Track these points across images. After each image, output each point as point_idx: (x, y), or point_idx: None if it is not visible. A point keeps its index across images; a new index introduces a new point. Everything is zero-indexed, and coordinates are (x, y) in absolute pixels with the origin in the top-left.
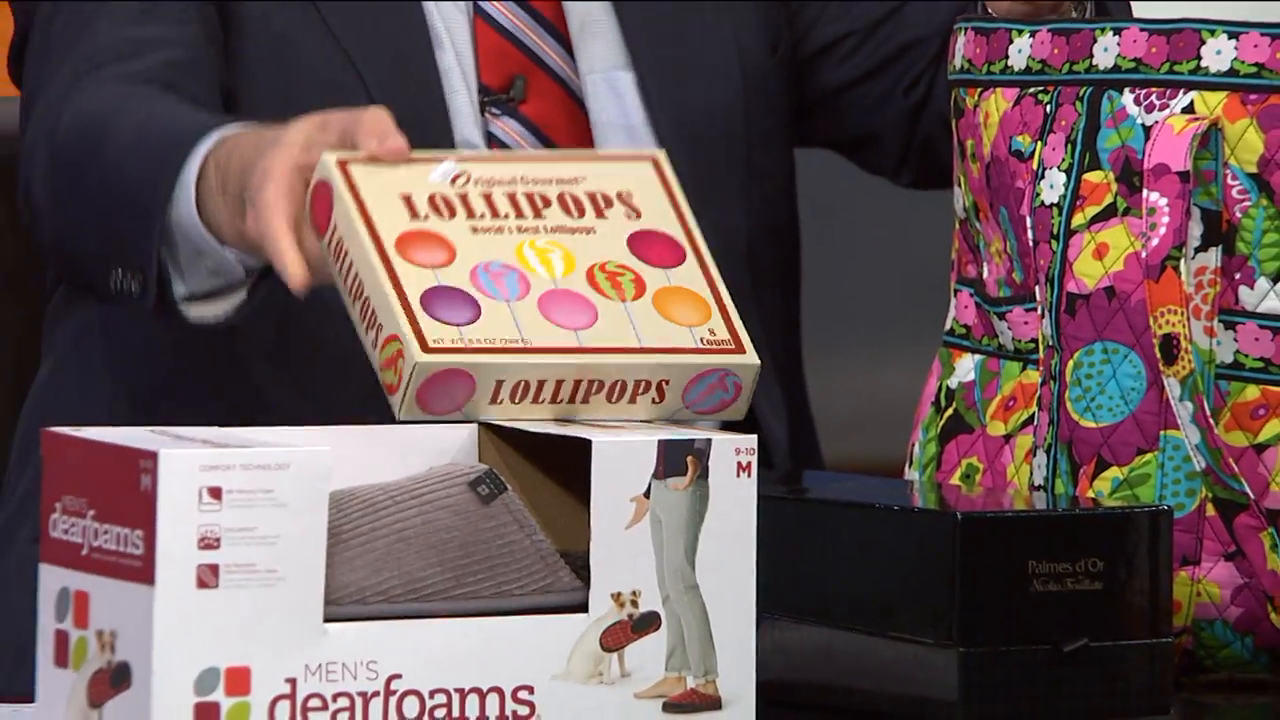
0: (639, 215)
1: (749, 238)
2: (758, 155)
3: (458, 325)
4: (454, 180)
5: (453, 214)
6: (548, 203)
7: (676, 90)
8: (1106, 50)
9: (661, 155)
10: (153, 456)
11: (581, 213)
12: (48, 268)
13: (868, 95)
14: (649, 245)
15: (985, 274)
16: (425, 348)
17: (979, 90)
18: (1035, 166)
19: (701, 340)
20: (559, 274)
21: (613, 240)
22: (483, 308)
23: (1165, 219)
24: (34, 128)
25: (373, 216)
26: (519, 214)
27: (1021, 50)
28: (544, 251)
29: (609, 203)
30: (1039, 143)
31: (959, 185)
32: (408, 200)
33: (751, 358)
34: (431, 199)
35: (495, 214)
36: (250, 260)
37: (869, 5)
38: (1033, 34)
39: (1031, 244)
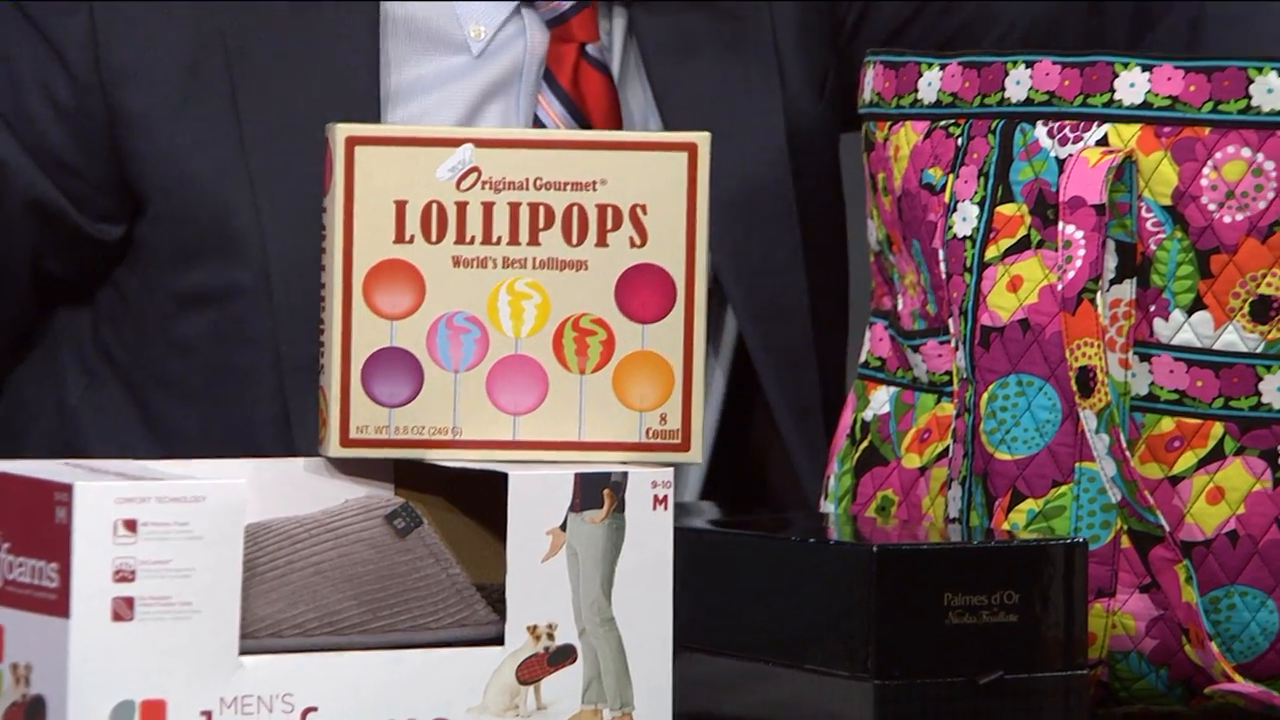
0: (644, 242)
1: (810, 300)
2: (811, 213)
3: (390, 407)
4: (463, 178)
5: (441, 235)
6: (550, 221)
7: (719, 165)
8: (1019, 83)
9: (702, 140)
10: (68, 489)
11: (583, 237)
12: None
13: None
14: (638, 288)
15: (899, 307)
16: (345, 439)
17: (889, 124)
18: (947, 199)
19: (648, 432)
20: (526, 330)
21: (601, 282)
22: (425, 381)
23: (1081, 251)
24: None
25: (356, 233)
26: (513, 238)
27: (931, 83)
28: (520, 298)
29: (617, 222)
30: (951, 175)
31: (872, 219)
32: (400, 211)
33: (694, 456)
34: (425, 211)
35: (487, 238)
36: None
37: None
38: (943, 67)
39: (945, 277)
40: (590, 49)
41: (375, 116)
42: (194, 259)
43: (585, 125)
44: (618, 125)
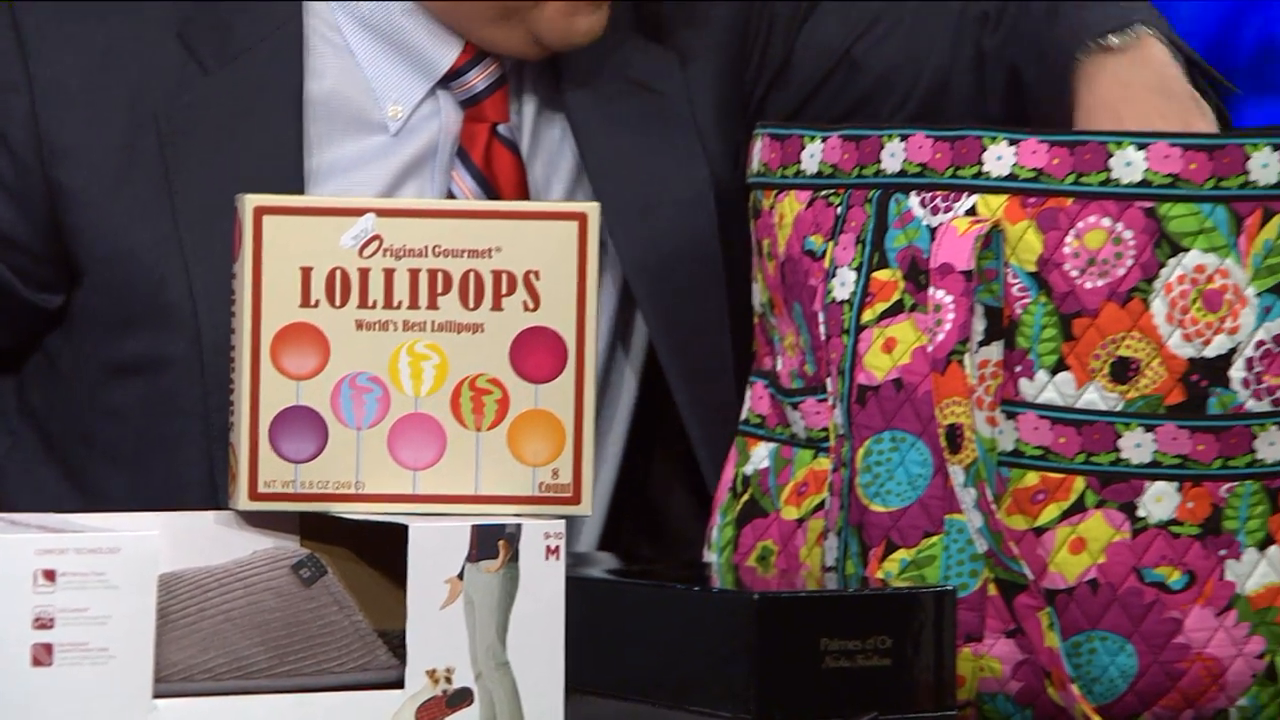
0: (536, 306)
1: (735, 363)
2: (735, 277)
3: (296, 463)
4: (365, 246)
5: (345, 300)
6: (448, 286)
7: (652, 231)
8: (893, 155)
9: (592, 210)
10: None
11: (479, 301)
12: None
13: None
14: (532, 350)
15: (779, 366)
16: (254, 493)
17: (774, 192)
18: (827, 265)
19: (540, 486)
20: (425, 390)
21: (496, 344)
22: (330, 438)
23: (950, 315)
24: None
25: (264, 297)
26: (413, 303)
27: (813, 155)
28: (419, 359)
29: (511, 287)
30: (831, 242)
31: (756, 282)
32: (306, 276)
33: (584, 508)
34: (330, 277)
35: (389, 302)
36: None
37: (831, 48)
38: (824, 139)
39: (824, 338)
40: (501, 128)
41: (299, 194)
42: (128, 329)
43: (493, 198)
44: (523, 196)
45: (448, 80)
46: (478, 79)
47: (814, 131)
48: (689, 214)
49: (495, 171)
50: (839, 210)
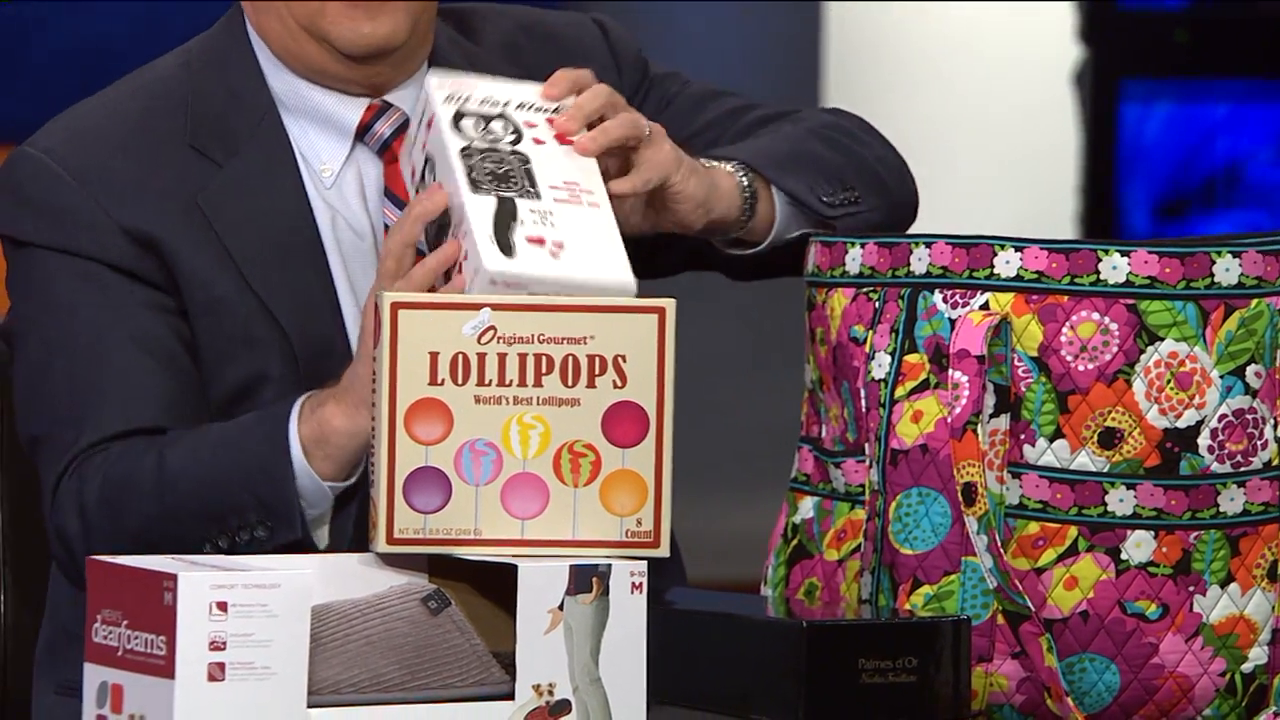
0: (624, 384)
1: None
2: None
3: (425, 514)
4: (483, 335)
5: (466, 379)
6: (551, 368)
7: None
8: (920, 260)
9: (669, 305)
10: (174, 578)
11: (576, 380)
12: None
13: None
14: (620, 420)
15: (823, 433)
16: (390, 538)
17: (825, 289)
18: (868, 350)
19: (627, 533)
20: (532, 453)
21: (591, 416)
22: (453, 493)
23: (966, 392)
24: (63, 494)
25: (399, 377)
26: (521, 381)
27: (855, 259)
28: (527, 428)
29: (603, 368)
30: (870, 331)
31: (808, 363)
32: (433, 360)
33: (663, 551)
34: (453, 360)
35: (502, 380)
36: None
37: None
38: (863, 246)
39: (864, 410)
40: None
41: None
42: (227, 361)
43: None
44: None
45: (361, 135)
46: (384, 127)
47: (855, 239)
48: None
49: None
50: (877, 304)
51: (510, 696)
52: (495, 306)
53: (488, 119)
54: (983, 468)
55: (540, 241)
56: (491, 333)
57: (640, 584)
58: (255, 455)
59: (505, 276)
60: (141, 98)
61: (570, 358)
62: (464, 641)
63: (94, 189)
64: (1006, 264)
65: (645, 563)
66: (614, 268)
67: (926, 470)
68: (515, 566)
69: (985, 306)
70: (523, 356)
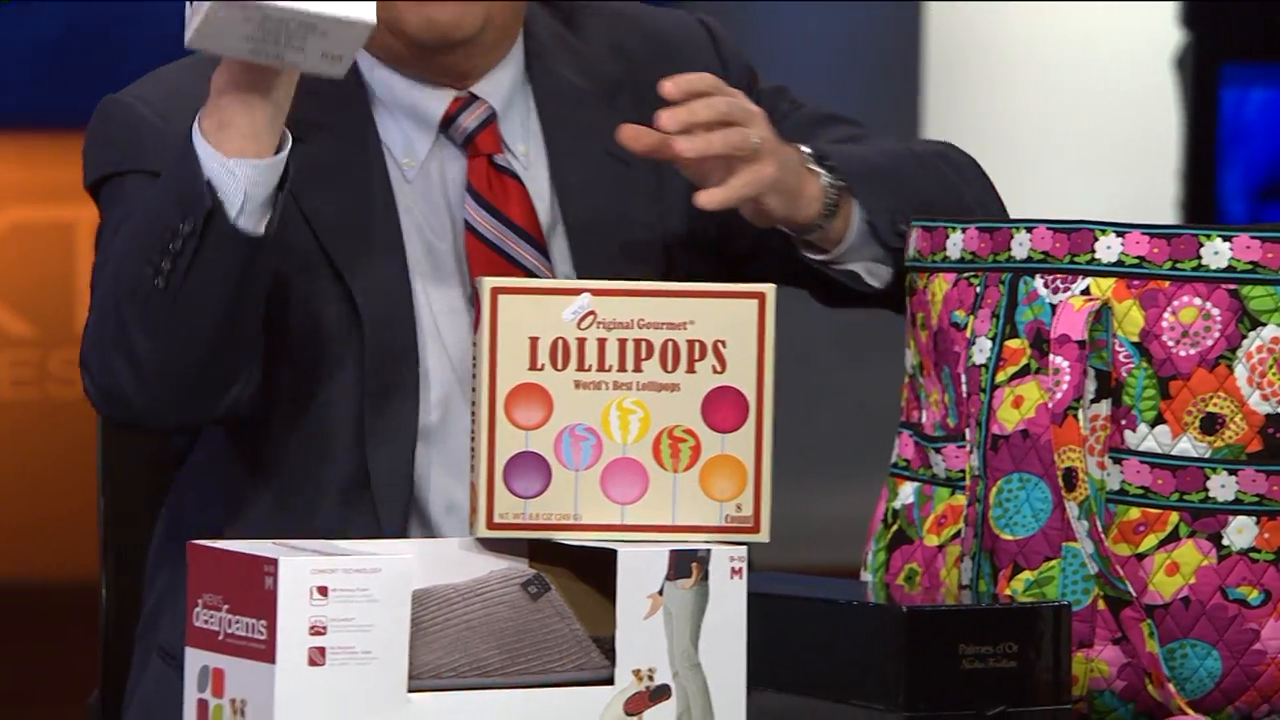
0: (724, 369)
1: None
2: None
3: (525, 498)
4: (583, 319)
5: (565, 364)
6: (650, 353)
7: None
8: (1021, 245)
9: (769, 290)
10: (274, 563)
11: (675, 365)
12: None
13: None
14: (719, 405)
15: (924, 419)
16: (490, 523)
17: (927, 274)
18: (969, 335)
19: (727, 518)
20: (631, 438)
21: (691, 401)
22: (553, 478)
23: (1067, 377)
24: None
25: (499, 362)
26: (621, 366)
27: (956, 244)
28: (627, 413)
29: (703, 354)
30: (971, 316)
31: (909, 348)
32: (533, 345)
33: (763, 536)
34: (553, 345)
35: (601, 366)
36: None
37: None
38: (964, 230)
39: (965, 395)
40: (497, 159)
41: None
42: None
43: (509, 225)
44: (534, 222)
45: (445, 127)
46: (469, 120)
47: (955, 224)
48: (645, 269)
49: (501, 199)
50: (978, 289)
51: (610, 681)
52: (595, 291)
53: None
54: (1084, 453)
55: None
56: (591, 318)
57: (740, 569)
58: (170, 173)
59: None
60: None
61: (670, 343)
62: (564, 626)
63: (177, 125)
64: (1108, 249)
65: (745, 548)
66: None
67: (1027, 455)
68: (615, 551)
69: (1086, 292)
70: (622, 341)
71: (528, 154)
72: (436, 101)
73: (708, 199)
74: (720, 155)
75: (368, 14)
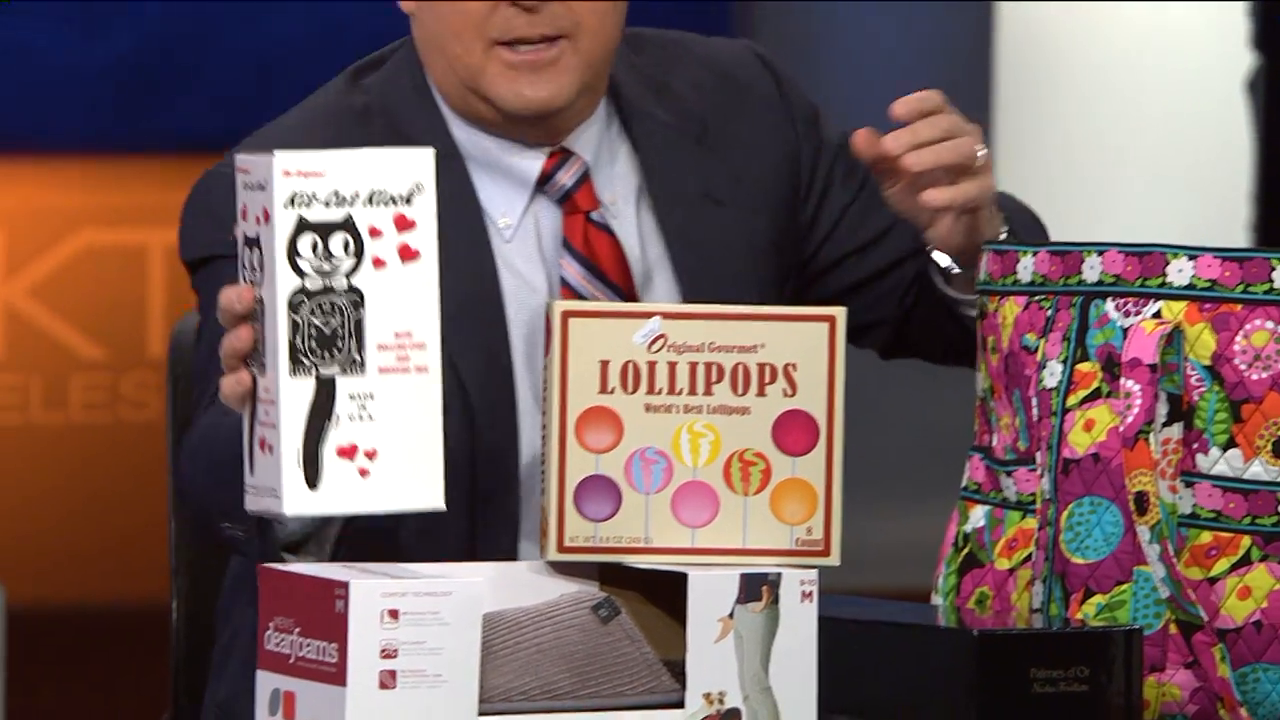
0: (794, 392)
1: None
2: None
3: (596, 521)
4: (653, 343)
5: (636, 387)
6: (721, 376)
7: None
8: (1092, 268)
9: (840, 313)
10: (345, 586)
11: (746, 389)
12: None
13: (865, 298)
14: (790, 428)
15: (994, 442)
16: (561, 546)
17: (998, 297)
18: (1039, 358)
19: (797, 541)
20: (702, 461)
21: (761, 424)
22: (624, 501)
23: (1138, 401)
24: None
25: (570, 385)
26: (692, 390)
27: (1027, 267)
28: (698, 436)
29: (773, 377)
30: (1042, 339)
31: (980, 371)
32: (604, 369)
33: (833, 560)
34: (624, 368)
35: (672, 389)
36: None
37: (863, 231)
38: (1035, 254)
39: (1036, 419)
40: (594, 215)
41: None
42: None
43: (601, 279)
44: (626, 273)
45: (541, 185)
46: (565, 177)
47: (1026, 247)
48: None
49: (596, 253)
50: (1049, 313)
51: (680, 705)
52: (666, 315)
53: (328, 231)
54: (1155, 477)
55: (351, 453)
56: (662, 341)
57: (810, 592)
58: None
59: (302, 520)
60: (319, 126)
61: (740, 366)
62: (634, 650)
63: None
64: (1179, 272)
65: (815, 571)
66: (424, 482)
67: (1099, 479)
68: (686, 575)
69: (1158, 315)
70: (693, 365)
71: (615, 202)
72: (531, 160)
73: (935, 196)
74: (944, 165)
75: (434, 496)
